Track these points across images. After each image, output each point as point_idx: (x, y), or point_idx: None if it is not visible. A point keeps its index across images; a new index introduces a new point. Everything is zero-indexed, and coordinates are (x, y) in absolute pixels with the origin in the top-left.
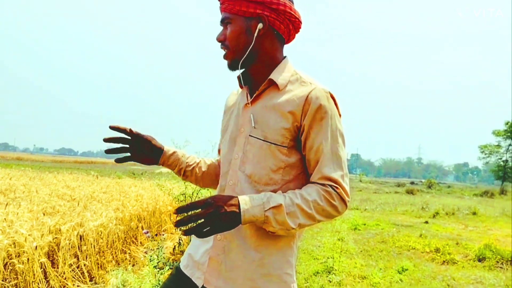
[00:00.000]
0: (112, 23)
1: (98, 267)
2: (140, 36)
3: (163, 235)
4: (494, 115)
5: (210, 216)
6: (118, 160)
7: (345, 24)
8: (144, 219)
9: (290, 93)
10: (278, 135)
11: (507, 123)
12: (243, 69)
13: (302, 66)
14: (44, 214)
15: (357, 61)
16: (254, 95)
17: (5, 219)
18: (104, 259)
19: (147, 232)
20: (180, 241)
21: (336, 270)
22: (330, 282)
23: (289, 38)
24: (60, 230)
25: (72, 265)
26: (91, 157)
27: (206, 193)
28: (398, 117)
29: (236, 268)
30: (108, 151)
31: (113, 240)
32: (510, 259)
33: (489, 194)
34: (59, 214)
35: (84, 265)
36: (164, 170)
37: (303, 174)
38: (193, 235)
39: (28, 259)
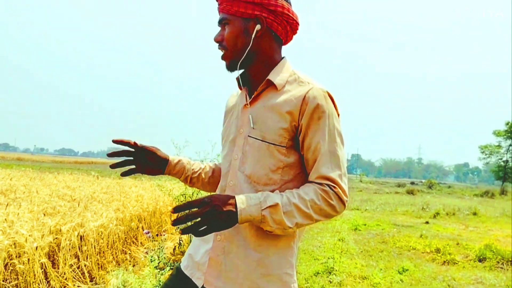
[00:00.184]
0: (113, 23)
1: (99, 267)
2: (140, 36)
3: (163, 235)
4: (494, 116)
5: (207, 215)
6: (124, 174)
7: (343, 18)
8: (144, 220)
9: (288, 93)
10: (276, 135)
11: (507, 124)
12: (242, 70)
13: (302, 64)
14: (44, 215)
15: (357, 61)
16: (253, 96)
17: (5, 219)
18: (105, 259)
19: (148, 233)
20: (181, 241)
21: (336, 270)
22: (331, 282)
23: (286, 39)
24: (60, 231)
25: (72, 265)
26: (91, 157)
27: (206, 193)
28: (398, 117)
29: (236, 268)
30: (113, 166)
31: (113, 240)
32: (510, 259)
33: (489, 194)
34: (59, 214)
35: (85, 265)
36: None
37: (302, 174)
38: (193, 235)
39: (28, 259)
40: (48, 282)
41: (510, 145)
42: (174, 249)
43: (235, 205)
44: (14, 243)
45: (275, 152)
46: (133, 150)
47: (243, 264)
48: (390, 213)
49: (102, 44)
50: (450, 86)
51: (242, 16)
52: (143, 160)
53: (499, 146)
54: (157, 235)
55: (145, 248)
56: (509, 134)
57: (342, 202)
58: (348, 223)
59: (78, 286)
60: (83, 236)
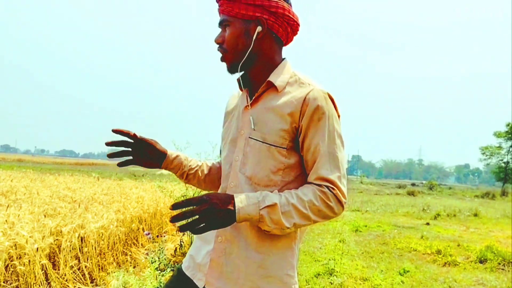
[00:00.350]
0: (113, 24)
1: (99, 269)
2: (141, 37)
3: (164, 236)
4: (495, 117)
5: (205, 213)
6: (121, 164)
7: (344, 17)
8: (145, 221)
9: (289, 95)
10: (277, 136)
11: (508, 125)
12: (242, 72)
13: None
14: (45, 216)
15: (357, 61)
16: (254, 97)
17: (6, 221)
18: (105, 261)
19: (149, 234)
20: (181, 243)
21: (337, 272)
22: (332, 284)
23: (287, 41)
24: (61, 232)
25: (73, 267)
26: (92, 158)
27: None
28: (399, 119)
29: (237, 270)
30: (110, 155)
31: (114, 241)
32: (511, 260)
33: (490, 195)
34: (60, 216)
35: (85, 267)
36: (165, 172)
37: (303, 175)
38: (195, 236)
39: (29, 261)
40: (48, 283)
41: (510, 146)
42: (175, 250)
43: (233, 204)
44: (15, 245)
45: (276, 153)
46: (132, 141)
47: (244, 265)
48: (390, 214)
49: (102, 45)
50: (451, 87)
51: (243, 18)
52: (141, 153)
53: (499, 147)
54: (157, 236)
55: (145, 249)
56: (510, 135)
57: (341, 204)
58: (348, 224)
59: None
60: (84, 237)
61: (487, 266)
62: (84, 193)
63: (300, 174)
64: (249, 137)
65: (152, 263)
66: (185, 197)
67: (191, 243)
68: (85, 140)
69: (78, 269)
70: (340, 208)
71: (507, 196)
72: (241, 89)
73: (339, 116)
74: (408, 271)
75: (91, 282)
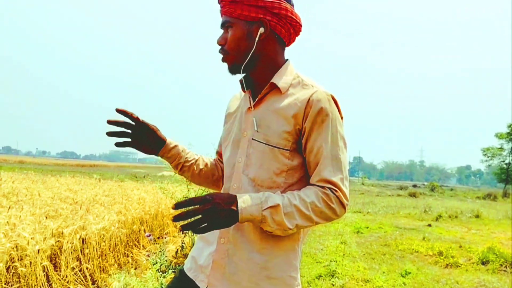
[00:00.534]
0: (115, 25)
1: (101, 270)
2: (143, 38)
3: (165, 238)
4: (496, 118)
5: (207, 213)
6: (118, 144)
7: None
8: (146, 222)
9: (292, 97)
10: (280, 138)
11: (509, 126)
12: (245, 73)
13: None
14: (46, 218)
15: (358, 62)
16: (257, 99)
17: (7, 222)
18: (107, 262)
19: (150, 235)
20: (183, 244)
21: (339, 273)
22: (333, 285)
23: (289, 42)
24: (62, 234)
25: (74, 268)
26: (93, 160)
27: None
28: (400, 120)
29: (239, 271)
30: (110, 134)
31: (115, 243)
32: None
33: (492, 197)
34: (61, 217)
35: (87, 268)
36: (166, 173)
37: (305, 177)
38: (197, 238)
39: (30, 262)
40: (50, 285)
41: None
42: (176, 252)
43: (236, 204)
44: (16, 246)
45: (279, 155)
46: (133, 123)
47: (247, 267)
48: (392, 215)
49: (104, 47)
50: (452, 88)
51: (245, 19)
52: (141, 136)
53: (501, 148)
54: (159, 238)
55: (147, 251)
56: (511, 137)
57: (343, 206)
58: (350, 226)
59: None
60: (85, 239)
61: (489, 267)
62: (86, 194)
63: (303, 176)
64: (252, 139)
65: (153, 264)
66: (186, 198)
67: (193, 244)
68: (87, 142)
69: (80, 270)
70: (342, 210)
71: (509, 198)
72: (243, 90)
73: (342, 118)
74: (409, 273)
75: (93, 284)
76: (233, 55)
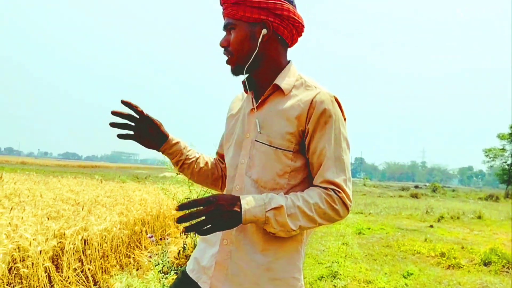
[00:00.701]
0: (116, 25)
1: (102, 271)
2: (145, 39)
3: (167, 239)
4: (497, 118)
5: (211, 214)
6: (120, 136)
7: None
8: (148, 223)
9: (295, 98)
10: (283, 140)
11: (511, 127)
12: (247, 75)
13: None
14: (48, 219)
15: (359, 62)
16: (260, 100)
17: (9, 223)
18: (108, 263)
19: (152, 237)
20: (185, 245)
21: (341, 274)
22: (335, 286)
23: (292, 43)
24: (64, 235)
25: (76, 269)
26: (95, 161)
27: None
28: (402, 121)
29: (242, 273)
30: (113, 124)
31: (117, 244)
32: None
33: (494, 198)
34: (63, 218)
35: (88, 269)
36: (168, 174)
37: (309, 178)
38: (199, 239)
39: (32, 263)
40: (52, 286)
41: None
42: (178, 253)
43: (239, 206)
44: (18, 247)
45: (282, 156)
46: (137, 116)
47: (250, 269)
48: (394, 216)
49: (104, 47)
50: (453, 88)
51: (248, 21)
52: (143, 130)
53: (503, 149)
54: (160, 239)
55: (148, 252)
56: None
57: (346, 207)
58: (352, 227)
59: None
60: (87, 240)
61: (491, 268)
62: (87, 195)
63: (306, 177)
64: (255, 140)
65: (155, 265)
66: (188, 199)
67: (195, 245)
68: (88, 143)
69: (81, 271)
70: (345, 211)
71: (511, 198)
72: (246, 92)
73: (345, 120)
74: (411, 274)
75: (94, 285)
76: (236, 56)
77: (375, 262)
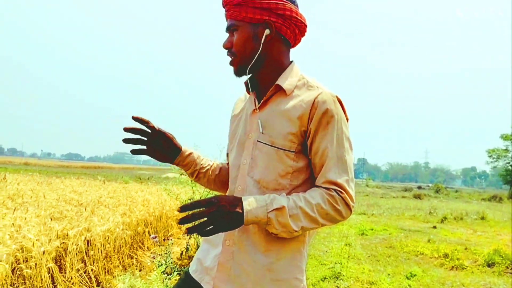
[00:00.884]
0: (118, 25)
1: (105, 272)
2: (148, 39)
3: (170, 240)
4: (498, 119)
5: (213, 215)
6: (134, 151)
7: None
8: (151, 224)
9: (297, 98)
10: (285, 140)
11: None
12: (250, 75)
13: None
14: (51, 219)
15: (360, 63)
16: (262, 100)
17: (13, 224)
18: (111, 264)
19: (155, 237)
20: (188, 246)
21: (343, 275)
22: (338, 287)
23: (295, 43)
24: (67, 235)
25: (79, 270)
26: (98, 162)
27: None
28: (405, 121)
29: (245, 273)
30: (126, 141)
31: (120, 245)
32: None
33: (497, 198)
34: (66, 219)
35: (91, 270)
36: (171, 175)
37: (311, 179)
38: (202, 240)
39: (35, 264)
40: (55, 286)
41: None
42: (181, 254)
43: (241, 206)
44: (22, 248)
45: (284, 157)
46: (149, 131)
47: (253, 269)
48: (397, 217)
49: (104, 47)
50: (457, 90)
51: (250, 21)
52: (156, 144)
53: (506, 150)
54: (163, 239)
55: (151, 252)
56: None
57: (349, 208)
58: (355, 227)
59: None
60: (90, 240)
61: (494, 270)
62: (90, 196)
63: (309, 178)
64: (258, 141)
65: (158, 266)
66: (191, 200)
67: (198, 246)
68: (91, 144)
69: (84, 272)
70: (348, 211)
71: None
72: (248, 92)
73: (347, 120)
74: (415, 275)
75: (97, 286)
76: (240, 57)
77: (378, 263)
